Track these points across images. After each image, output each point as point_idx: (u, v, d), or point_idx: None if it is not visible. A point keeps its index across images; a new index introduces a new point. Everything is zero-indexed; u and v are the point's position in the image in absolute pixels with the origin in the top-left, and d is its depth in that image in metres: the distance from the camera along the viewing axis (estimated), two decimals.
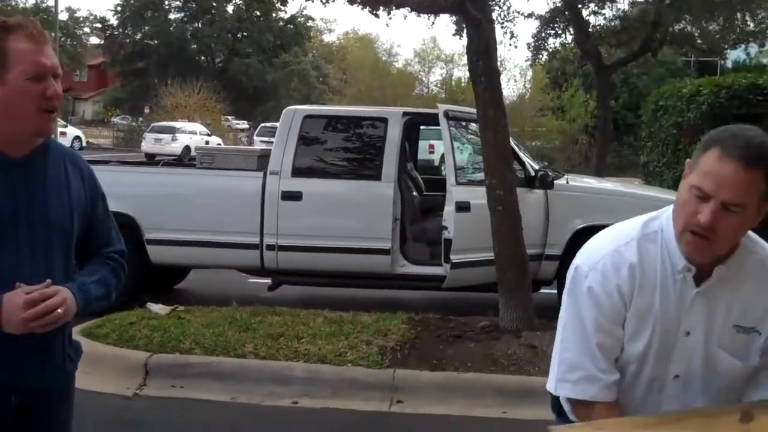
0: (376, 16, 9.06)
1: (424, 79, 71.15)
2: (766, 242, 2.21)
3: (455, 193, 7.91)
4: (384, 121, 8.65)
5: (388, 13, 9.65)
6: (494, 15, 11.32)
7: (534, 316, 7.11)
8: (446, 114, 8.28)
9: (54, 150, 2.62)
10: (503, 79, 7.68)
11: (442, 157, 11.30)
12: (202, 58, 59.74)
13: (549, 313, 7.98)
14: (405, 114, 8.79)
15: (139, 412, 5.64)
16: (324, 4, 9.35)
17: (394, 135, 8.52)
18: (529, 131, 32.79)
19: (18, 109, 2.43)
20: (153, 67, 56.62)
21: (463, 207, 7.83)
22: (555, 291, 8.49)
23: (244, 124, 49.91)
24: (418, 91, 65.14)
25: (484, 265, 7.53)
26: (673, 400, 2.17)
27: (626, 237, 2.17)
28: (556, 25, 18.71)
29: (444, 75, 64.99)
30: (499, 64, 7.36)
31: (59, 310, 2.38)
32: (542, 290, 8.58)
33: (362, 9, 8.87)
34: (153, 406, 5.73)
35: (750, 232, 2.14)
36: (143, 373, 6.19)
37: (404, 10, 9.08)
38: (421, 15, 9.59)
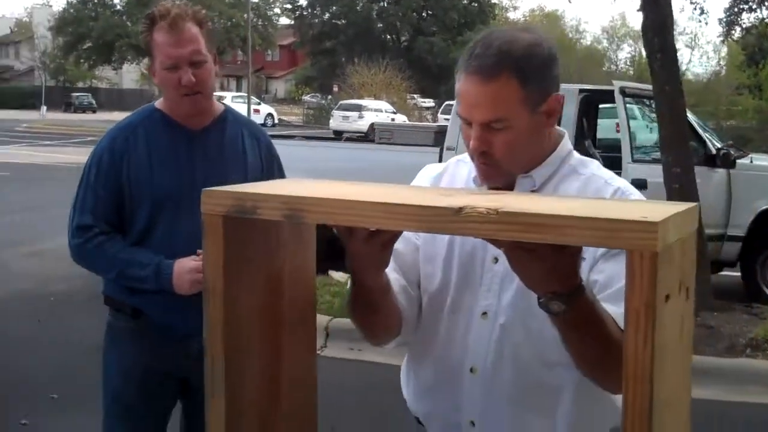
0: None
1: (612, 56, 69.50)
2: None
3: (631, 170, 7.85)
4: None
5: None
6: None
7: (711, 296, 7.01)
8: (622, 91, 8.21)
9: (232, 121, 2.89)
10: (695, 55, 7.62)
11: None
12: (388, 36, 60.64)
13: (729, 294, 7.85)
14: (581, 91, 8.76)
15: (319, 370, 6.01)
16: None
17: (569, 112, 8.50)
18: (723, 110, 31.42)
19: (167, 94, 2.76)
20: (340, 47, 58.00)
21: (639, 185, 7.75)
22: (738, 273, 8.30)
23: (429, 102, 50.32)
24: (605, 69, 63.68)
25: None
26: (484, 341, 1.81)
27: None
28: None
29: (633, 52, 63.20)
30: (691, 40, 7.30)
31: None
32: (724, 272, 8.39)
33: None
34: (332, 366, 6.09)
35: (583, 158, 1.88)
36: (324, 336, 6.64)
37: None
38: None
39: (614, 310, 1.59)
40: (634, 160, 7.96)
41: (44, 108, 46.59)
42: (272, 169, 2.96)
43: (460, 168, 1.97)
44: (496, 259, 1.78)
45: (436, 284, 1.87)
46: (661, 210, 1.18)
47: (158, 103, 2.85)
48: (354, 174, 8.97)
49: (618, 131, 23.38)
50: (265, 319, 1.51)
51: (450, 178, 1.97)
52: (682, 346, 1.28)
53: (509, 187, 1.80)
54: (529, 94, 1.69)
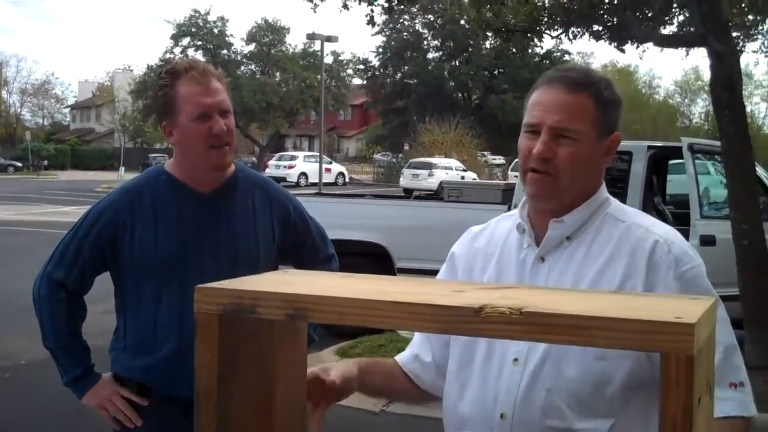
0: (622, 51, 9.18)
1: (686, 110, 68.86)
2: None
3: (700, 226, 7.82)
4: (628, 154, 8.68)
5: (637, 47, 9.69)
6: (758, 44, 11.04)
7: None
8: (690, 147, 8.21)
9: (243, 181, 2.77)
10: None
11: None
12: (459, 95, 61.05)
13: None
14: (650, 148, 8.78)
15: (384, 426, 6.08)
16: (570, 41, 9.59)
17: (638, 168, 8.54)
18: None
19: (190, 148, 2.63)
20: (412, 105, 58.51)
21: (707, 241, 7.71)
22: None
23: (500, 160, 50.35)
24: (679, 124, 63.08)
25: (730, 300, 7.36)
26: (513, 388, 1.77)
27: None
28: None
29: (707, 106, 62.50)
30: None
31: None
32: None
33: (609, 44, 9.06)
34: (396, 422, 6.15)
35: (621, 204, 1.89)
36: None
37: (649, 44, 9.13)
38: (664, 49, 9.60)
39: None
40: (703, 216, 7.93)
41: (122, 169, 47.79)
42: (288, 221, 2.83)
43: (502, 223, 1.97)
44: None
45: None
46: (691, 307, 1.12)
47: (167, 165, 2.78)
48: (427, 233, 9.04)
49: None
50: (257, 425, 1.41)
51: (489, 234, 1.97)
52: None
53: (550, 218, 1.81)
54: (601, 120, 1.80)
